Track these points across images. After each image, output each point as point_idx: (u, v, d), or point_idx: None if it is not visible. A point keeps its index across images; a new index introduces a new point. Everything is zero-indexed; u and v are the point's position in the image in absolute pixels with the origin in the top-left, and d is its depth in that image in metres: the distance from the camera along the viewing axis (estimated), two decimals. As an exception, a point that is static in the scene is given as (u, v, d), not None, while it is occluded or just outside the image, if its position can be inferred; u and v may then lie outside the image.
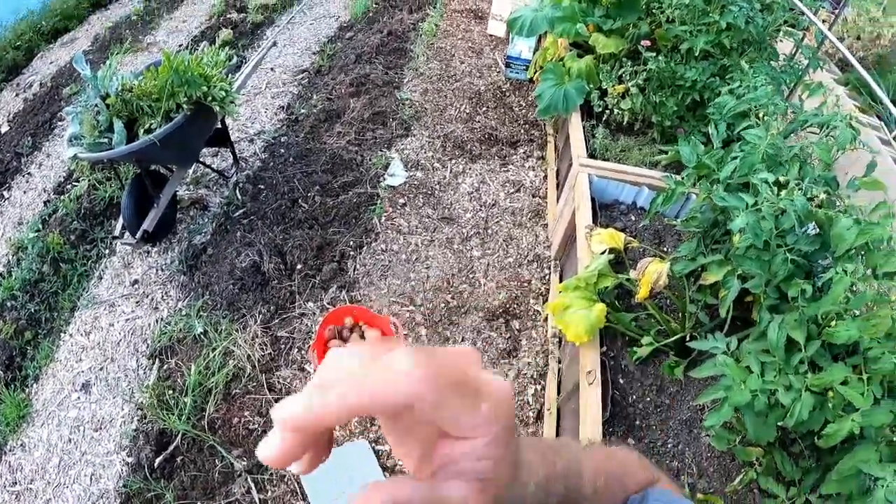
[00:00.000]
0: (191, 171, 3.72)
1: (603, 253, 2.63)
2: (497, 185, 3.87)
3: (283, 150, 4.04)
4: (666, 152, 3.25)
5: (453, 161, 3.98)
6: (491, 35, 5.13)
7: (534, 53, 4.35)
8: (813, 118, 2.44)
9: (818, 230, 2.10)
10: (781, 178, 2.01)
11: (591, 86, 3.51)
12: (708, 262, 2.30)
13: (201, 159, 3.73)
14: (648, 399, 2.65)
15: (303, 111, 4.36)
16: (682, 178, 2.53)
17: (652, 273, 2.37)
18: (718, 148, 2.59)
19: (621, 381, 2.72)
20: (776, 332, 2.05)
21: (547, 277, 3.40)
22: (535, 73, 4.14)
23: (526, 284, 3.38)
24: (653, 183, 3.09)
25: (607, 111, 3.44)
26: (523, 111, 4.42)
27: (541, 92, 3.57)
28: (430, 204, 3.71)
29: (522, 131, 4.28)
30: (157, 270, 3.39)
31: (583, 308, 2.50)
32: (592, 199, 3.08)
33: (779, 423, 1.89)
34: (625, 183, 3.17)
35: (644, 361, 2.72)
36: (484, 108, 4.42)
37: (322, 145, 4.04)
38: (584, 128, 3.43)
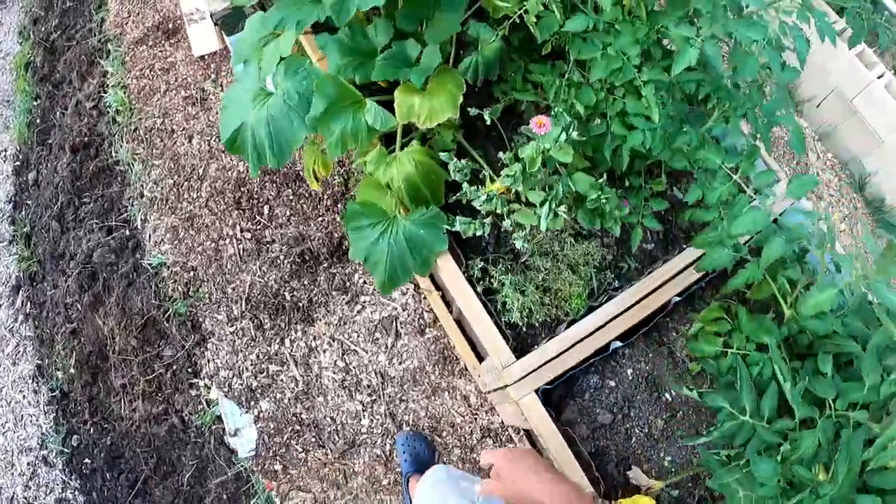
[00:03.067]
0: None
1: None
2: (367, 345, 2.35)
3: (88, 461, 2.42)
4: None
5: (287, 342, 2.41)
6: (203, 57, 2.95)
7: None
8: None
9: None
10: None
11: (438, 208, 1.78)
12: None
13: None
14: None
15: (58, 374, 2.50)
16: None
17: None
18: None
19: None
20: None
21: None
22: (316, 184, 2.21)
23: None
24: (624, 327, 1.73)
25: (493, 228, 1.75)
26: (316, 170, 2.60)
27: (366, 255, 1.79)
28: (312, 443, 2.23)
29: (339, 215, 2.52)
30: None
31: None
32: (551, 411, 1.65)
33: None
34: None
35: None
36: (264, 206, 2.61)
37: (122, 425, 2.40)
38: (474, 290, 1.76)
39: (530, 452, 1.05)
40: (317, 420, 2.33)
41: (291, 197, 2.70)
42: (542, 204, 1.48)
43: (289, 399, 2.37)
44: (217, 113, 2.93)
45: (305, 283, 2.53)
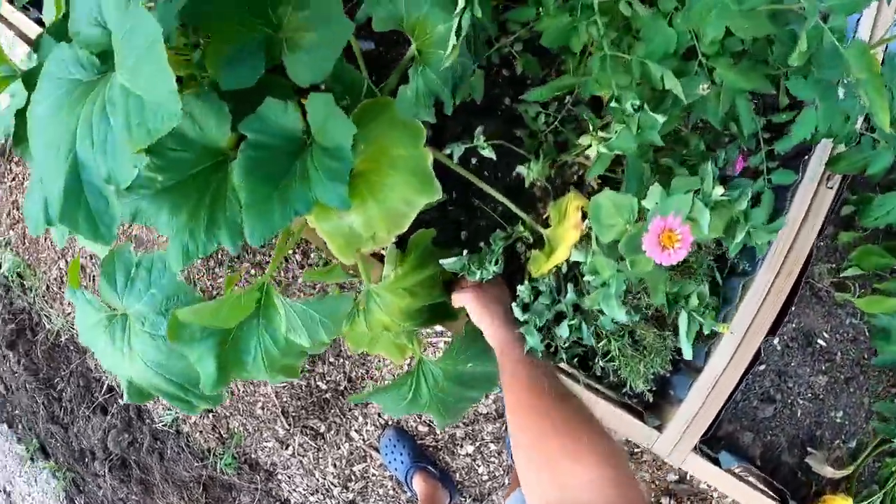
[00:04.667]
0: None
1: None
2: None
3: None
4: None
5: (353, 434, 2.12)
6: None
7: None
8: None
9: None
10: None
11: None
12: None
13: None
14: None
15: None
16: None
17: None
18: None
19: None
20: None
21: None
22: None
23: None
24: (771, 318, 1.23)
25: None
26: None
27: (408, 411, 1.25)
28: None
29: (316, 265, 1.97)
30: None
31: None
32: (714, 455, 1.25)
33: None
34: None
35: None
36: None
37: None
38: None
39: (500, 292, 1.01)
40: None
41: (253, 272, 2.04)
42: (673, 310, 0.78)
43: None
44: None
45: (331, 360, 1.98)
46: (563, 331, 0.88)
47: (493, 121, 1.25)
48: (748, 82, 0.85)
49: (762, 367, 1.31)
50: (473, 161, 1.27)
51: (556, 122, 1.13)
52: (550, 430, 0.77)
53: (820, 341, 1.32)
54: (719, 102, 0.90)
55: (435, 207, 1.26)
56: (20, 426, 2.48)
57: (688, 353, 0.74)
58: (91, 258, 2.22)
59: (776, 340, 1.30)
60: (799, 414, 1.33)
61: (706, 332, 0.76)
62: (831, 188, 1.20)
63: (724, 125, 1.02)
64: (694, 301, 0.73)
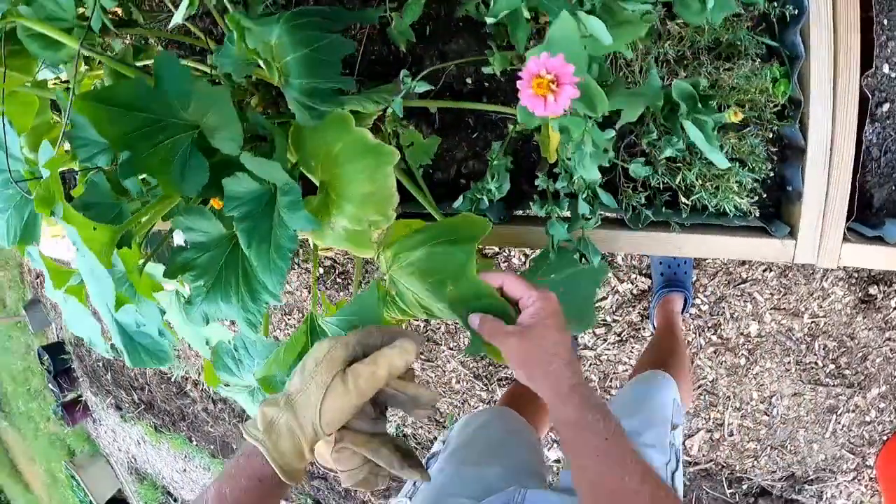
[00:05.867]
0: None
1: None
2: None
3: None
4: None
5: None
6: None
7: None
8: None
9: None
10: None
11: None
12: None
13: None
14: None
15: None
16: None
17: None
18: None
19: None
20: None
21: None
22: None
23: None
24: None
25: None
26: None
27: None
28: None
29: None
30: None
31: None
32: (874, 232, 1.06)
33: None
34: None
35: None
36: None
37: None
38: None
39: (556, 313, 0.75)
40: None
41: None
42: (676, 123, 0.65)
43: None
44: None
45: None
46: (582, 208, 0.79)
47: (459, 34, 1.17)
48: None
49: (886, 108, 1.08)
50: (469, 82, 1.20)
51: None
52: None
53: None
54: None
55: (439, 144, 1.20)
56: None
57: (721, 163, 0.62)
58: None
59: (886, 68, 1.07)
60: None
61: (716, 126, 0.63)
62: None
63: None
64: (682, 107, 0.59)
